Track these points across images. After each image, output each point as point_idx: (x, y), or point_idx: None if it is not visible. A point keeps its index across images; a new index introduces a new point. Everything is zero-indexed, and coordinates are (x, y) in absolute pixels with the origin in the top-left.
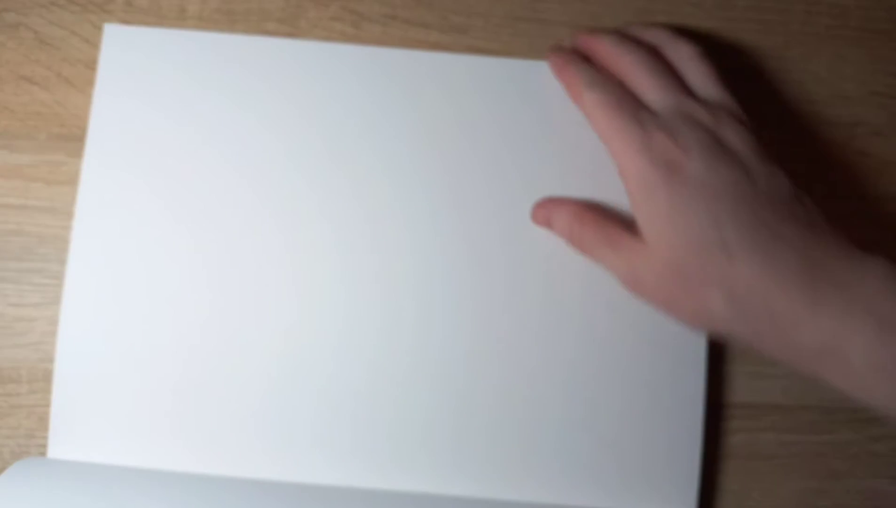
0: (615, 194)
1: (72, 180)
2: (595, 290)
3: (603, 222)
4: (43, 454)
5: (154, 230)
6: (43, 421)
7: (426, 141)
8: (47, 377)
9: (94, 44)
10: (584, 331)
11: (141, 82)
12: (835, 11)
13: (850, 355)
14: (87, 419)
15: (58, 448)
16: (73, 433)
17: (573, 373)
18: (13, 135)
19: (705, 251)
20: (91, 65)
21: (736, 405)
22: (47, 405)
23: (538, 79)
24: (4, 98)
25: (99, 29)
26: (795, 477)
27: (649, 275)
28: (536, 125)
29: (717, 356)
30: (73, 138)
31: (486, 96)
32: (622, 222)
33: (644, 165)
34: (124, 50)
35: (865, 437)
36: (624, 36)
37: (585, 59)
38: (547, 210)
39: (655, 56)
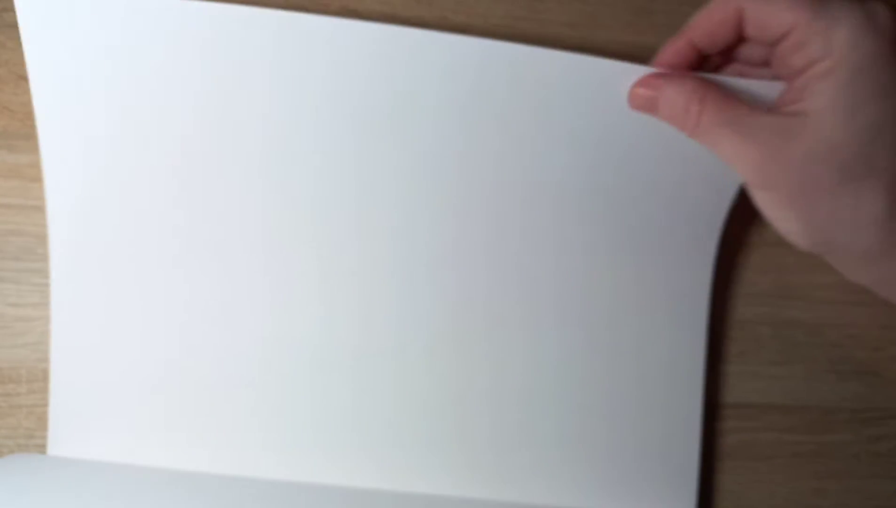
0: (613, 188)
1: None
2: (593, 289)
3: (729, 99)
4: (42, 454)
5: (144, 226)
6: (42, 421)
7: (423, 130)
8: (47, 377)
9: None
10: (581, 330)
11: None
12: None
13: None
14: (86, 418)
15: (57, 447)
16: (71, 432)
17: (571, 373)
18: (13, 135)
19: (884, 139)
20: None
21: (735, 405)
22: (47, 404)
23: (540, 68)
24: (4, 98)
25: None
26: (795, 477)
27: (792, 160)
28: (539, 116)
29: (717, 356)
30: None
31: (487, 83)
32: (746, 97)
33: (870, 38)
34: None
35: (865, 437)
36: None
37: None
38: (652, 89)
39: None
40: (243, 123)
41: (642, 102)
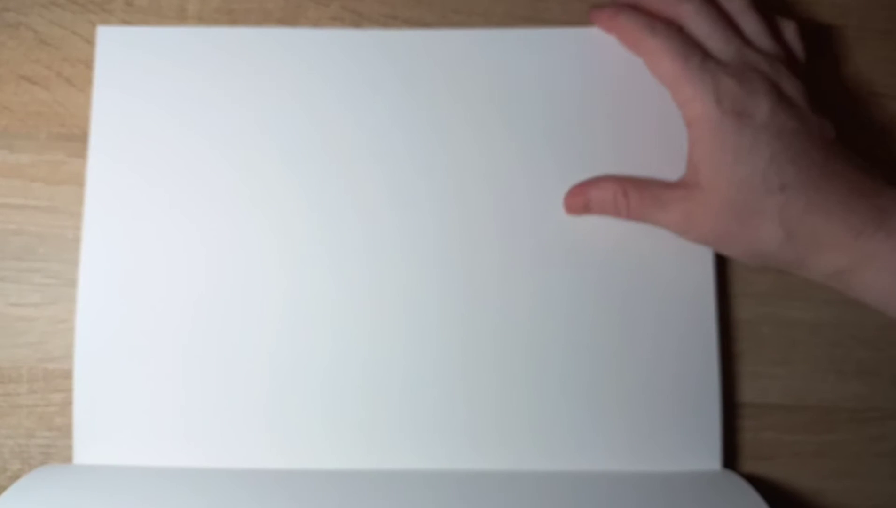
0: (612, 170)
1: (72, 180)
2: (606, 287)
3: (645, 186)
4: (43, 454)
5: (160, 228)
6: (43, 421)
7: (428, 128)
8: (47, 377)
9: (94, 43)
10: (599, 324)
11: (137, 80)
12: (835, 11)
13: (886, 271)
14: (111, 424)
15: (83, 455)
16: (97, 439)
17: (592, 356)
18: (13, 135)
19: (764, 189)
20: (91, 64)
21: (736, 405)
22: (47, 404)
23: (540, 48)
24: (4, 98)
25: None
26: (795, 477)
27: (706, 216)
28: (539, 97)
29: (720, 356)
30: (73, 138)
31: (488, 70)
32: (658, 180)
33: (715, 112)
34: (119, 50)
35: (865, 437)
36: None
37: (633, 8)
38: (582, 195)
39: (712, 5)
40: (259, 135)
41: (577, 208)
